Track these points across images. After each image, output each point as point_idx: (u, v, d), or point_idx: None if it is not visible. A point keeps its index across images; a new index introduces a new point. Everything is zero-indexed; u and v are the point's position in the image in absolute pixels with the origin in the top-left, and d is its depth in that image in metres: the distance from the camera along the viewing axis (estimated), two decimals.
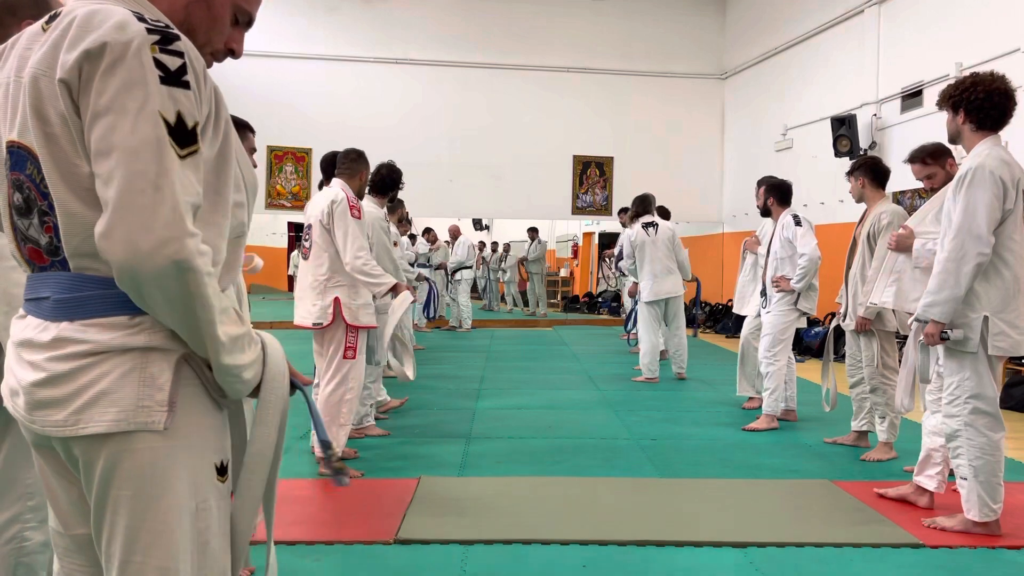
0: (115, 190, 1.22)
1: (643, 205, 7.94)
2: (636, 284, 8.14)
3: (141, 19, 1.29)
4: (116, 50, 1.25)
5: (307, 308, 4.32)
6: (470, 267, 13.26)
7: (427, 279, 5.83)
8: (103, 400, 1.30)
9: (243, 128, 3.13)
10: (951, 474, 3.68)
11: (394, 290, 4.25)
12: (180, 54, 1.29)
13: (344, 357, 4.28)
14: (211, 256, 1.31)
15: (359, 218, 4.29)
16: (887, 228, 4.60)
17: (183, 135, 1.28)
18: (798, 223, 5.55)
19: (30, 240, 1.39)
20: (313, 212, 4.36)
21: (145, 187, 1.22)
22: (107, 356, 1.31)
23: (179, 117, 1.27)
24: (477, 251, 15.90)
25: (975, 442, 3.38)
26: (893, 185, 8.61)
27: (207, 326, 1.29)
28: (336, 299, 4.25)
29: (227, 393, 1.39)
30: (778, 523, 3.65)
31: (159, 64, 1.27)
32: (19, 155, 1.36)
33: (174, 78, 1.28)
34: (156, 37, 1.28)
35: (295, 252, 4.33)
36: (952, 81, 3.62)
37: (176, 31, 1.32)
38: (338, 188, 4.37)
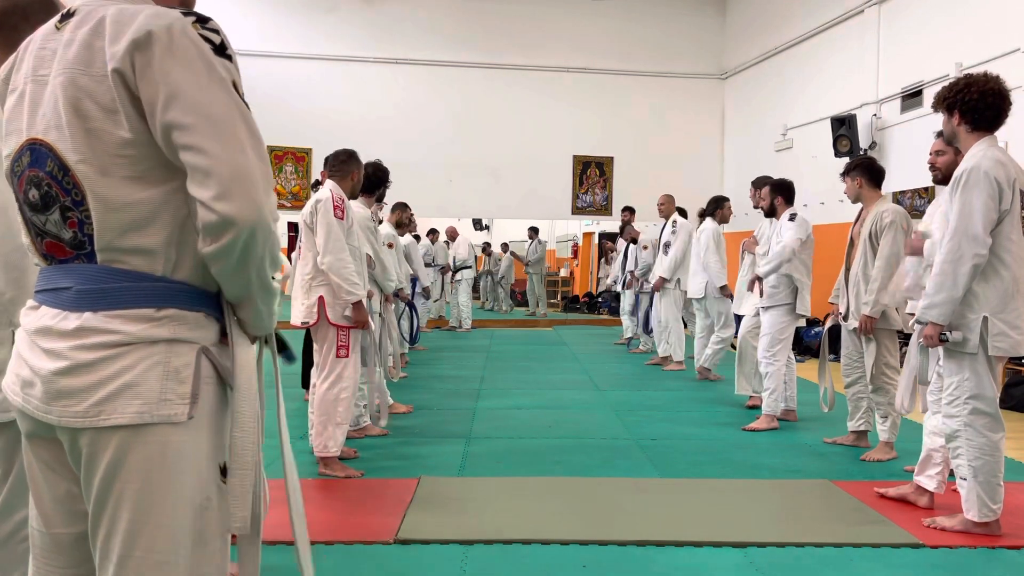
0: (216, 157, 1.27)
1: (709, 205, 8.02)
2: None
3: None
4: (163, 36, 1.29)
5: (296, 307, 4.35)
6: (470, 267, 13.28)
7: (409, 304, 5.81)
8: (127, 392, 1.30)
9: None
10: (951, 474, 3.68)
11: (356, 307, 4.23)
12: (217, 31, 1.35)
13: (337, 356, 4.29)
14: None
15: (342, 219, 4.26)
16: (889, 226, 4.61)
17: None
18: (792, 220, 5.60)
19: (48, 235, 1.39)
20: (303, 213, 4.39)
21: (244, 148, 1.30)
22: (133, 348, 1.32)
23: (234, 85, 1.34)
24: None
25: (974, 442, 3.38)
26: (893, 185, 8.63)
27: (268, 276, 1.40)
28: (320, 298, 4.25)
29: (253, 330, 1.45)
30: (778, 523, 3.66)
31: (206, 39, 1.33)
32: (39, 152, 1.36)
33: (220, 51, 1.34)
34: (193, 18, 1.34)
35: (295, 252, 4.36)
36: (951, 81, 3.62)
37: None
38: (326, 189, 4.39)
